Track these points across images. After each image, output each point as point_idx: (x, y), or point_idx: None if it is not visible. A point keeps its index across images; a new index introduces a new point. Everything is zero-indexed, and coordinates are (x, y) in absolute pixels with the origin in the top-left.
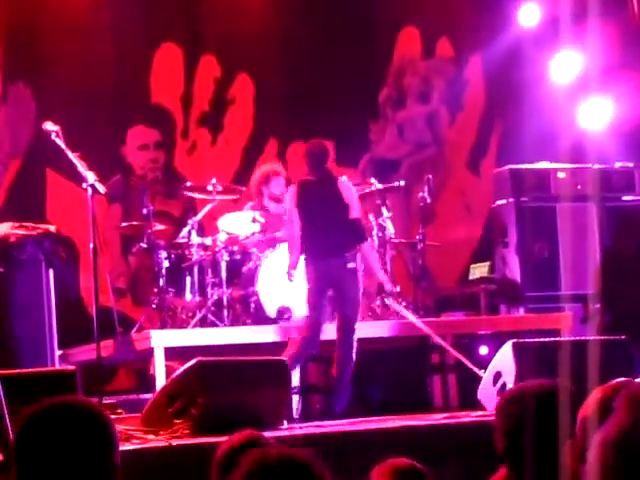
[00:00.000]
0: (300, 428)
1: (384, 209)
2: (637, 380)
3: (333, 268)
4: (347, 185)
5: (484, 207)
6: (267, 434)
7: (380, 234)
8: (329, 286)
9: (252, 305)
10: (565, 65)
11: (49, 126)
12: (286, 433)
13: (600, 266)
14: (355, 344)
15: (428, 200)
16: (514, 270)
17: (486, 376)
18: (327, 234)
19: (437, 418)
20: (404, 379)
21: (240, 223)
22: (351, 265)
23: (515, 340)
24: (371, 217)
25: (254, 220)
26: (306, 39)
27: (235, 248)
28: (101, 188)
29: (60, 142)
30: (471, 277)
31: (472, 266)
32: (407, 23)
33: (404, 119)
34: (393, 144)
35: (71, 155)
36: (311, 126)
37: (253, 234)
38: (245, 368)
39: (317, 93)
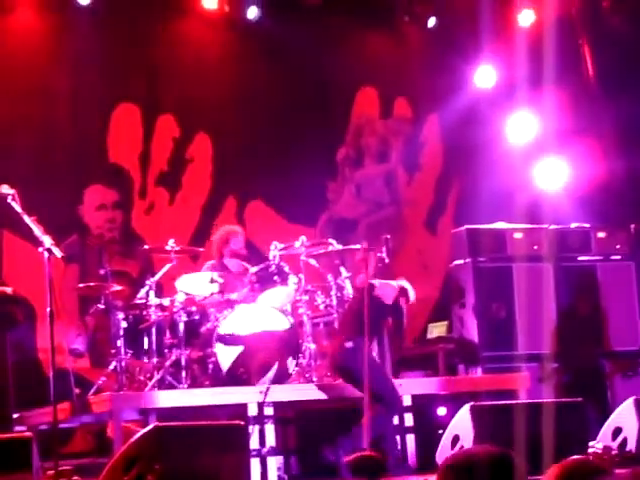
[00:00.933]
0: None
1: (342, 269)
2: (591, 444)
3: None
4: None
5: (442, 266)
6: None
7: (339, 294)
8: None
9: (210, 366)
10: (521, 127)
11: (4, 190)
12: None
13: (556, 326)
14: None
15: (386, 260)
16: (471, 330)
17: (444, 439)
18: None
19: None
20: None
21: (198, 283)
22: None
23: (473, 403)
24: (330, 277)
25: (212, 281)
26: (265, 98)
27: (193, 309)
28: (58, 252)
29: (16, 205)
30: (429, 336)
31: (430, 325)
32: (365, 83)
33: (362, 178)
34: (351, 203)
35: (27, 219)
36: (269, 185)
37: (211, 294)
38: (203, 433)
39: (275, 152)
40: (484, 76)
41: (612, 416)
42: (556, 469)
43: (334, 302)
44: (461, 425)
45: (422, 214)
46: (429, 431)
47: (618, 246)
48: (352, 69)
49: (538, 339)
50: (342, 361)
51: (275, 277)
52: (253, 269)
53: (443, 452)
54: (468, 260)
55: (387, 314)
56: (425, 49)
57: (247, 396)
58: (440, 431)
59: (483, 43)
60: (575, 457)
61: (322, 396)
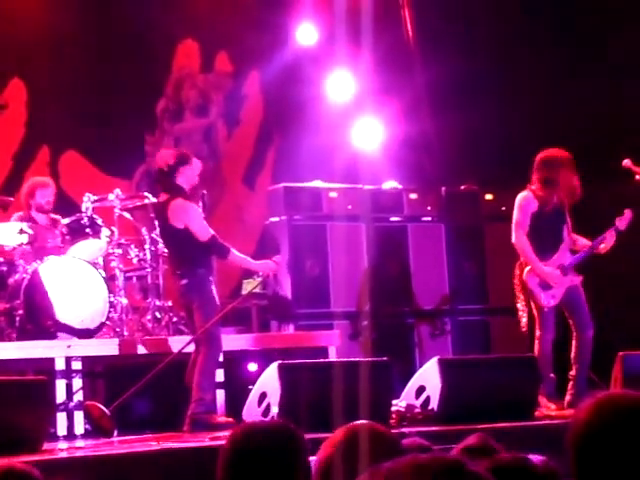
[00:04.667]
0: (61, 450)
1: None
2: (395, 402)
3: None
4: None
5: (259, 223)
6: (26, 457)
7: (153, 248)
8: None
9: (17, 318)
10: (340, 85)
11: None
12: (46, 456)
13: (367, 284)
14: (204, 357)
15: (203, 215)
16: (285, 287)
17: (251, 396)
18: None
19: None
20: (170, 395)
21: (7, 234)
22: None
23: (280, 362)
24: (144, 231)
25: (21, 231)
26: (84, 47)
27: (0, 259)
28: None
29: None
30: (243, 292)
31: (244, 281)
32: (186, 36)
33: (181, 132)
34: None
35: None
36: (85, 136)
37: (20, 245)
38: (3, 387)
39: (93, 102)
40: (305, 33)
41: (416, 375)
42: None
43: (148, 256)
44: (269, 382)
45: (241, 169)
46: (239, 387)
47: (429, 208)
48: (173, 21)
49: (351, 297)
50: (182, 298)
51: (87, 229)
52: (64, 220)
53: (250, 409)
54: (284, 217)
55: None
56: (248, 4)
57: (54, 350)
58: (250, 387)
59: (305, 0)
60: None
61: (132, 351)
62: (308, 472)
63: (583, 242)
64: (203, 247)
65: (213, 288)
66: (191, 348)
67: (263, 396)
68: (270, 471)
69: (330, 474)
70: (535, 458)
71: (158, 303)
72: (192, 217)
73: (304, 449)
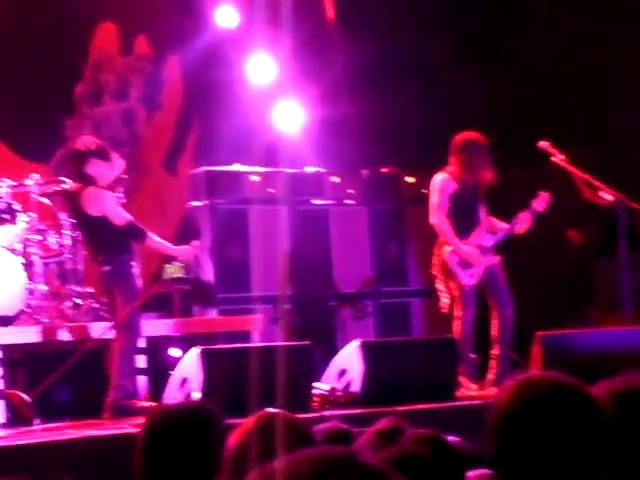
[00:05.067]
0: None
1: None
2: (317, 385)
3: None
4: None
5: (179, 207)
6: None
7: (72, 234)
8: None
9: None
10: (260, 68)
11: None
12: None
13: (289, 268)
14: (124, 343)
15: (124, 200)
16: (207, 271)
17: (172, 381)
18: None
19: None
20: (91, 382)
21: None
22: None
23: (202, 347)
24: (63, 216)
25: None
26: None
27: None
28: None
29: None
30: (164, 277)
31: (166, 266)
32: (104, 19)
33: (100, 116)
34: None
35: None
36: (2, 119)
37: None
38: None
39: (9, 85)
40: (226, 16)
41: (337, 357)
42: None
43: (67, 242)
44: (189, 368)
45: (161, 154)
46: (161, 373)
47: (351, 191)
48: (92, 3)
49: (273, 281)
50: (104, 285)
51: (4, 215)
52: None
53: (171, 394)
54: (205, 202)
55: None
56: None
57: None
58: (172, 373)
59: None
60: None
61: (52, 338)
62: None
63: (500, 224)
64: (121, 233)
65: (135, 273)
66: (112, 334)
67: (184, 381)
68: (186, 452)
69: (238, 462)
70: (450, 438)
71: (78, 289)
72: (107, 204)
73: (220, 428)
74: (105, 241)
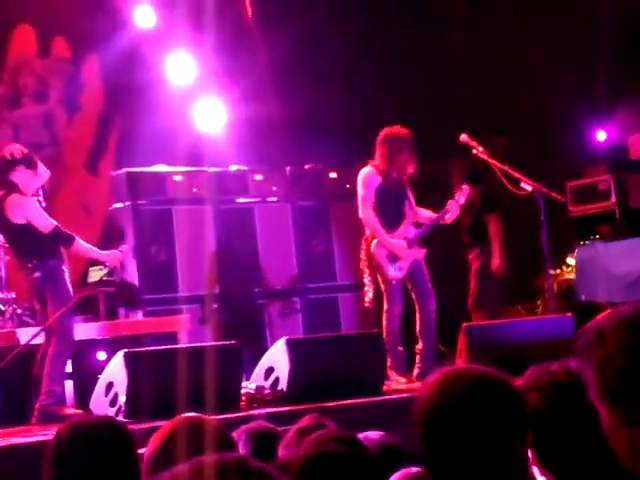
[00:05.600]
0: None
1: None
2: (245, 385)
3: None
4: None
5: (103, 209)
6: None
7: None
8: None
9: None
10: (181, 67)
11: None
12: None
13: (215, 267)
14: (56, 348)
15: (43, 204)
16: (132, 273)
17: (99, 385)
18: None
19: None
20: (19, 388)
21: None
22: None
23: (126, 350)
24: None
25: None
26: None
27: None
28: None
29: None
30: (90, 280)
31: (91, 269)
32: (21, 21)
33: (20, 119)
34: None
35: None
36: None
37: None
38: None
39: None
40: (144, 16)
41: (265, 356)
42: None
43: None
44: (115, 372)
45: (82, 155)
46: (88, 377)
47: (275, 188)
48: (8, 5)
49: (199, 281)
50: (36, 291)
51: None
52: None
53: (97, 399)
54: (128, 203)
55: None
56: None
57: None
58: (99, 377)
59: None
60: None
61: None
62: (136, 467)
63: (427, 214)
64: (48, 238)
65: (66, 277)
66: (40, 340)
67: (110, 386)
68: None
69: (157, 466)
70: (374, 434)
71: (1, 295)
72: (31, 211)
73: (129, 444)
74: (32, 247)
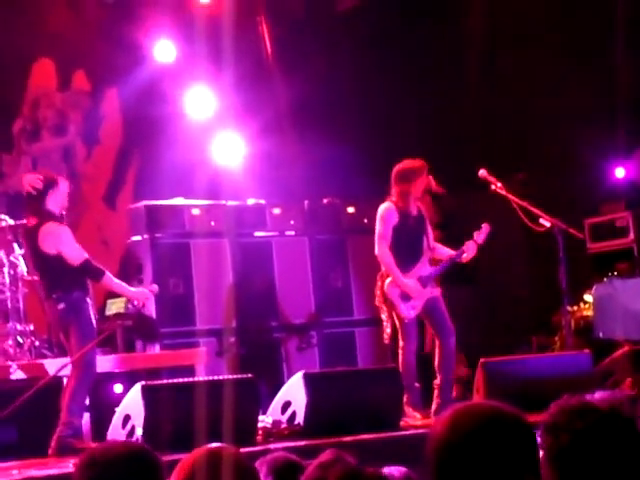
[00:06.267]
0: None
1: (16, 245)
2: (261, 419)
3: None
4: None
5: (121, 242)
6: None
7: (12, 271)
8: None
9: None
10: (199, 102)
11: None
12: None
13: (233, 300)
14: (77, 381)
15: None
16: (149, 306)
17: (115, 418)
18: None
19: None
20: (38, 420)
21: None
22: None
23: (144, 382)
24: (1, 254)
25: None
26: None
27: None
28: None
29: None
30: (107, 312)
31: (109, 301)
32: (42, 54)
33: (39, 152)
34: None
35: None
36: None
37: None
38: None
39: None
40: (164, 51)
41: (282, 390)
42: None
43: (7, 280)
44: (132, 404)
45: (101, 189)
46: (105, 410)
47: (292, 222)
48: (29, 39)
49: (217, 314)
50: (60, 322)
51: None
52: None
53: (114, 431)
54: (146, 236)
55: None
56: (104, 22)
57: None
58: (116, 409)
59: (162, 17)
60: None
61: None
62: None
63: (444, 251)
64: (77, 270)
65: (91, 310)
66: (67, 371)
67: (127, 418)
68: None
69: None
70: (396, 470)
71: (19, 327)
72: (64, 241)
73: (158, 472)
74: (58, 278)
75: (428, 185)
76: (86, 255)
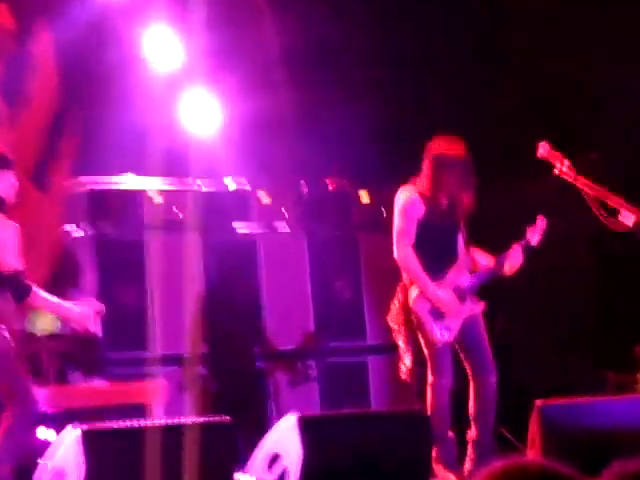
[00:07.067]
0: None
1: None
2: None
3: None
4: None
5: (52, 236)
6: None
7: None
8: None
9: None
10: (161, 48)
11: None
12: None
13: (203, 318)
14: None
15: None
16: (92, 327)
17: (42, 472)
18: None
19: None
20: None
21: None
22: None
23: (83, 426)
24: None
25: None
26: None
27: None
28: None
29: None
30: (33, 331)
31: (31, 315)
32: None
33: None
34: None
35: None
36: None
37: None
38: None
39: None
40: None
41: (268, 438)
42: None
43: None
44: (66, 455)
45: (28, 163)
46: (27, 461)
47: (285, 212)
48: None
49: (180, 336)
50: None
51: None
52: None
53: None
54: (88, 229)
55: None
56: None
57: None
58: (41, 461)
59: None
60: None
61: None
62: None
63: (484, 260)
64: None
65: (6, 335)
66: None
67: (59, 474)
68: None
69: None
70: None
71: None
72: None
73: None
74: None
75: (467, 183)
76: (20, 267)
